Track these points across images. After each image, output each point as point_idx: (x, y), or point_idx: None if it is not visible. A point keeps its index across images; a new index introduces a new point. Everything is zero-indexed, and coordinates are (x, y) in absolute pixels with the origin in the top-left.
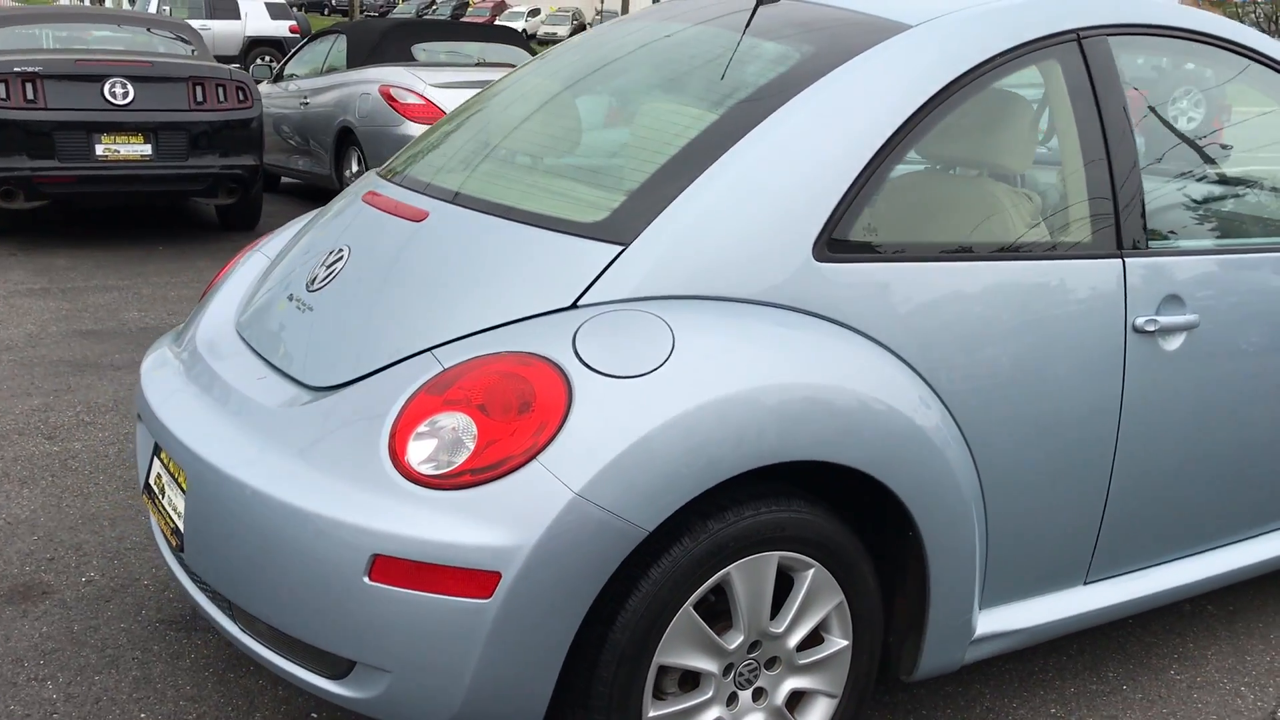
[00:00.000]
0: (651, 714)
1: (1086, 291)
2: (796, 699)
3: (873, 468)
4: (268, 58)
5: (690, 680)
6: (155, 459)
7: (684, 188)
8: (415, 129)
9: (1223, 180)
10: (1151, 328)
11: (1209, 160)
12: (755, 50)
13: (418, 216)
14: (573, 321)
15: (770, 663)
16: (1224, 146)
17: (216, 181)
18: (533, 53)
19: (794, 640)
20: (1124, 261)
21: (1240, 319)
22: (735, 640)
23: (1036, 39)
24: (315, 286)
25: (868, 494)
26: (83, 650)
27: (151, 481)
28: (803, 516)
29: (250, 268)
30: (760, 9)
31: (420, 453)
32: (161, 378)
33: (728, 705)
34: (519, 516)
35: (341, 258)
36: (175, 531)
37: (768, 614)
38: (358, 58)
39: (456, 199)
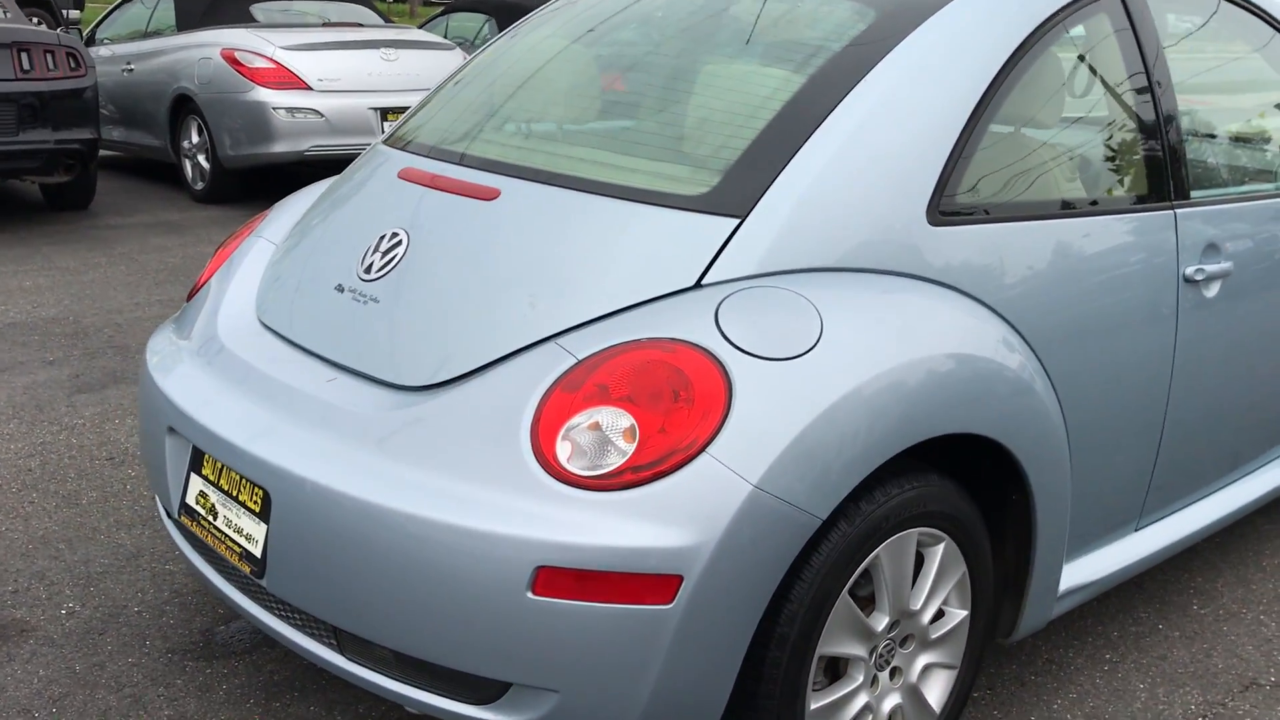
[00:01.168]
0: (812, 706)
1: (1150, 243)
2: (922, 675)
3: (999, 433)
4: (37, 20)
5: (834, 667)
6: (193, 476)
7: (791, 154)
8: (268, 94)
9: (1244, 130)
10: (1200, 276)
11: (1228, 110)
12: (821, 7)
13: (488, 195)
14: (707, 302)
15: (904, 641)
16: (1238, 94)
17: (52, 158)
18: (379, 12)
19: (927, 616)
20: (1175, 213)
21: (1268, 265)
22: (881, 622)
23: None
24: (373, 276)
25: (976, 460)
26: (97, 692)
27: (191, 503)
28: (937, 490)
29: (256, 255)
30: None
31: (571, 452)
32: (192, 384)
33: (870, 688)
34: (696, 514)
35: (400, 242)
36: (245, 557)
37: (909, 592)
38: (189, 20)
39: (527, 174)
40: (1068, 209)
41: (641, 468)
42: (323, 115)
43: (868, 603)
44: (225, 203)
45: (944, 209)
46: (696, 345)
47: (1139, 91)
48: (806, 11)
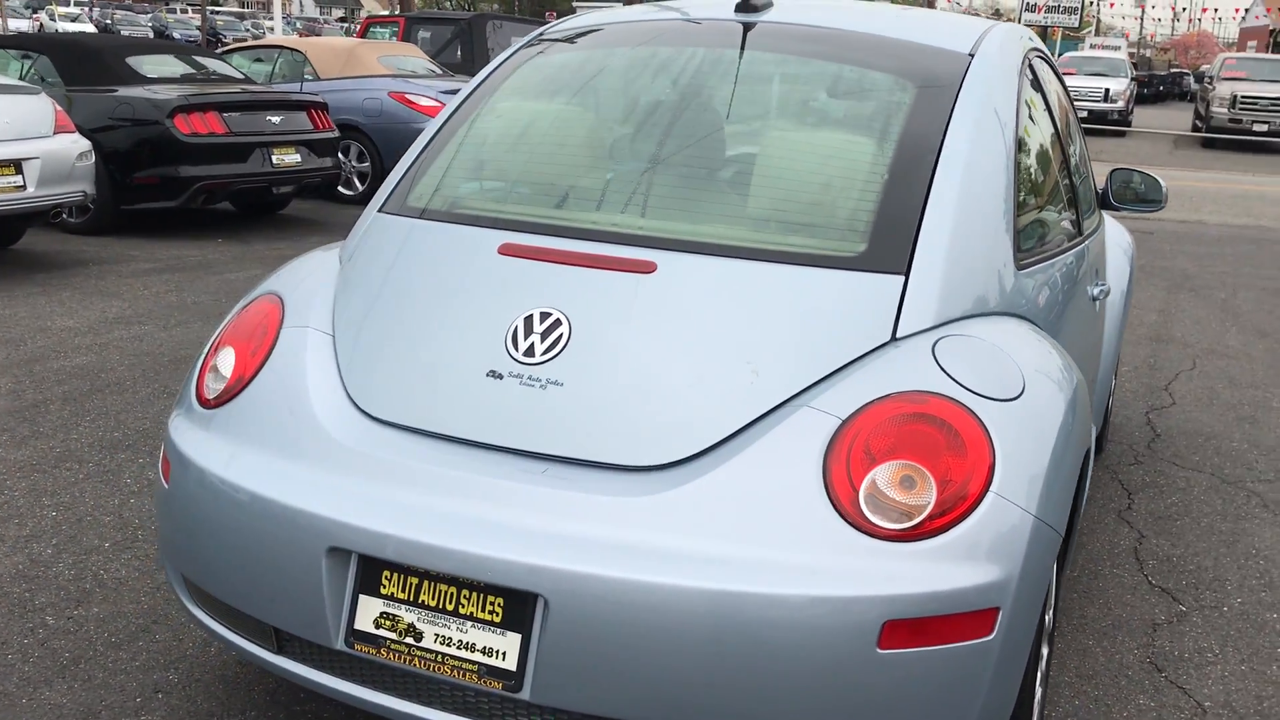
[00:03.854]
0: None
1: (1082, 270)
2: None
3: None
4: None
5: None
6: (364, 599)
7: (919, 214)
8: None
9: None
10: (1097, 294)
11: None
12: (863, 76)
13: (645, 269)
14: (917, 353)
15: None
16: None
17: None
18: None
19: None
20: (1084, 247)
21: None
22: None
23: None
24: (540, 358)
25: None
26: None
27: (368, 628)
28: None
29: (316, 349)
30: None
31: (875, 509)
32: (353, 496)
33: None
34: (997, 549)
35: (559, 322)
36: (490, 672)
37: None
38: None
39: (668, 244)
40: (1060, 247)
41: (942, 514)
42: None
43: None
44: None
45: (1019, 255)
46: (943, 395)
47: (1053, 140)
48: (852, 80)
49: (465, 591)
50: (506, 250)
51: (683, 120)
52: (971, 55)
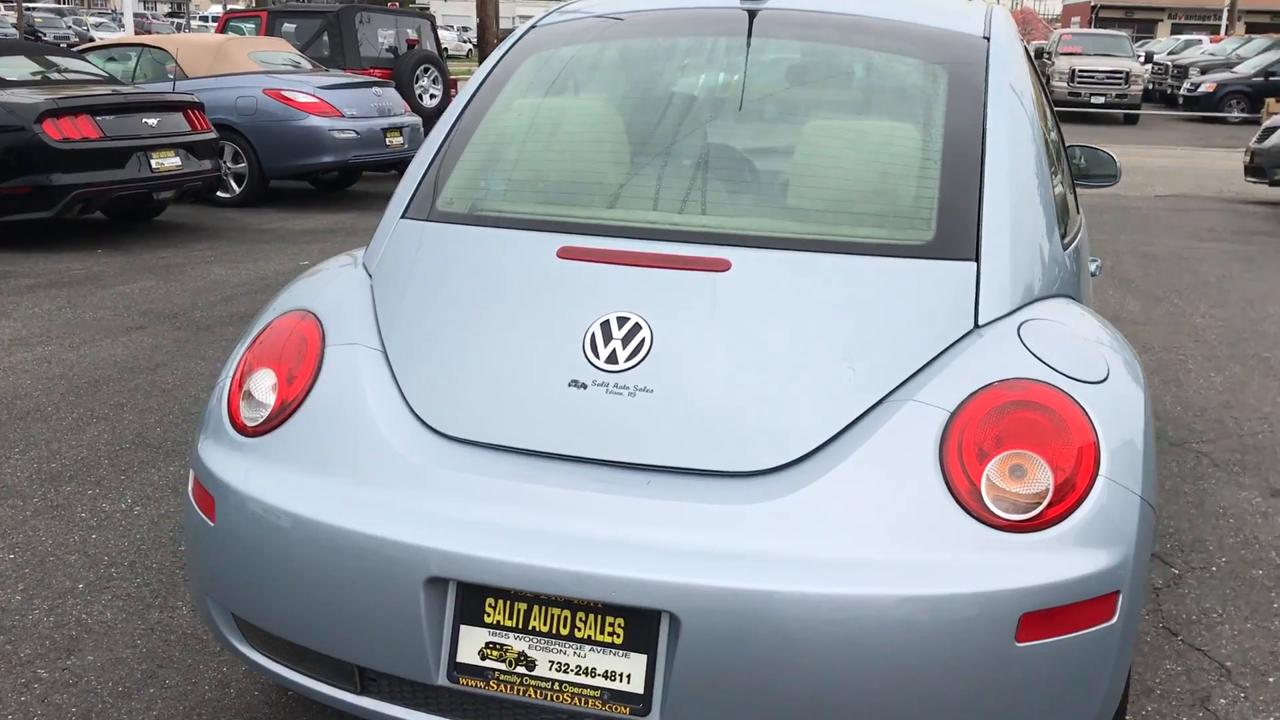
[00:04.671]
0: None
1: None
2: None
3: None
4: None
5: None
6: (465, 630)
7: (977, 200)
8: None
9: None
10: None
11: None
12: (891, 64)
13: (720, 267)
14: (1005, 340)
15: None
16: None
17: None
18: None
19: None
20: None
21: None
22: None
23: None
24: (625, 365)
25: None
26: None
27: (474, 660)
28: None
29: (367, 365)
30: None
31: (998, 502)
32: (447, 523)
33: None
34: (1113, 532)
35: (638, 326)
36: (615, 697)
37: None
38: None
39: (735, 240)
40: (1077, 224)
41: (1060, 500)
42: None
43: None
44: None
45: (1062, 234)
46: (1042, 381)
47: (1052, 119)
48: (883, 66)
49: (581, 614)
50: (567, 254)
51: (721, 112)
52: (986, 38)
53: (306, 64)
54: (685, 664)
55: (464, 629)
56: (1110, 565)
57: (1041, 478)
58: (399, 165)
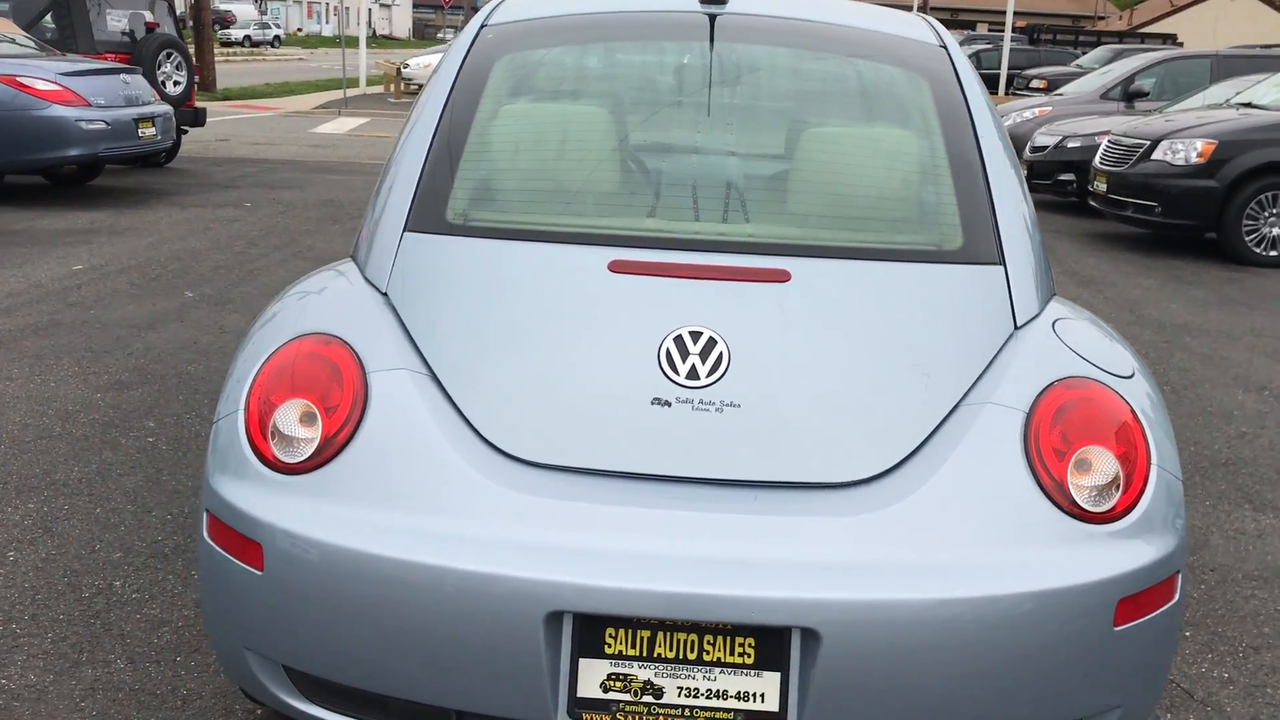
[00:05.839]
0: None
1: None
2: None
3: None
4: None
5: None
6: (585, 663)
7: (988, 203)
8: None
9: None
10: None
11: None
12: (878, 71)
13: (781, 277)
14: (1046, 338)
15: None
16: None
17: None
18: None
19: None
20: None
21: None
22: None
23: None
24: (706, 380)
25: None
26: None
27: (596, 694)
28: None
29: (417, 391)
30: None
31: (1082, 496)
32: (540, 552)
33: None
34: (1170, 517)
35: (714, 341)
36: (749, 717)
37: None
38: None
39: (786, 250)
40: None
41: (1131, 490)
42: None
43: None
44: None
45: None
46: (1093, 378)
47: None
48: (869, 74)
49: (709, 636)
50: (620, 268)
51: (730, 119)
52: (943, 46)
53: (33, 46)
54: (823, 677)
55: (583, 662)
56: (1175, 548)
57: (1110, 469)
58: (150, 158)
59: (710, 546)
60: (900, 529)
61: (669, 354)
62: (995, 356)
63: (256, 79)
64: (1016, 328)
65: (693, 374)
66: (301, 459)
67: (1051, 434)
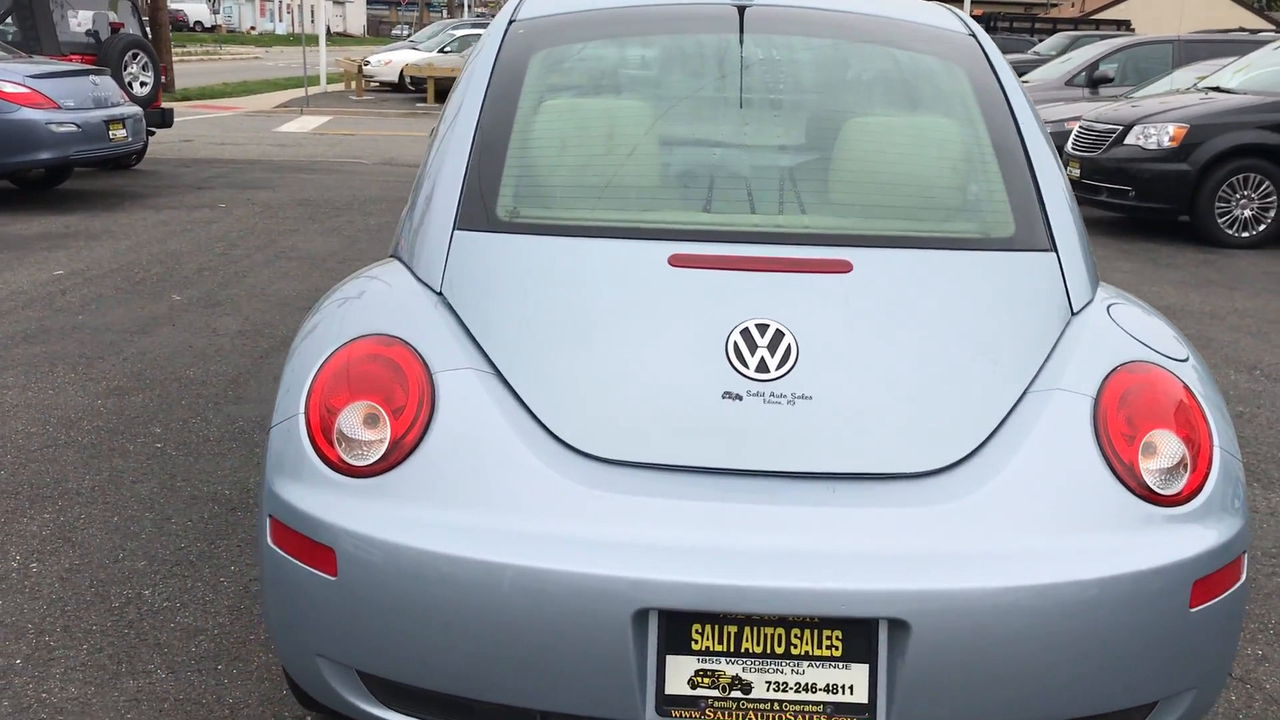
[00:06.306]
0: None
1: None
2: None
3: None
4: None
5: None
6: (672, 660)
7: (1035, 189)
8: None
9: None
10: None
11: None
12: (914, 60)
13: (843, 269)
14: (1103, 324)
15: None
16: None
17: None
18: None
19: None
20: None
21: None
22: None
23: None
24: (777, 373)
25: None
26: None
27: (683, 690)
28: None
29: (480, 389)
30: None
31: (1153, 479)
32: (626, 550)
33: None
34: (1234, 497)
35: (782, 334)
36: (841, 710)
37: None
38: None
39: (848, 241)
40: None
41: (1199, 473)
42: None
43: None
44: None
45: None
46: (1153, 362)
47: None
48: (907, 63)
49: (796, 630)
50: (680, 261)
51: (776, 110)
52: (973, 35)
53: (7, 50)
54: (911, 667)
55: (670, 659)
56: (1241, 528)
57: (1177, 452)
58: (119, 160)
59: (793, 539)
60: (981, 517)
61: (736, 347)
62: (1056, 343)
63: (214, 79)
64: (1074, 313)
65: (762, 367)
66: (370, 461)
67: (1119, 418)
